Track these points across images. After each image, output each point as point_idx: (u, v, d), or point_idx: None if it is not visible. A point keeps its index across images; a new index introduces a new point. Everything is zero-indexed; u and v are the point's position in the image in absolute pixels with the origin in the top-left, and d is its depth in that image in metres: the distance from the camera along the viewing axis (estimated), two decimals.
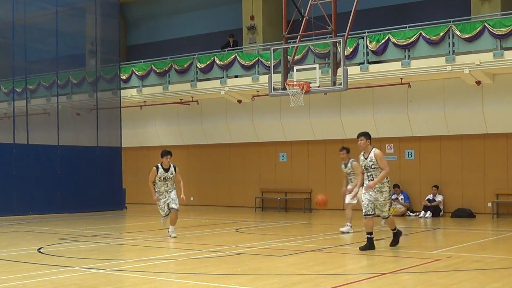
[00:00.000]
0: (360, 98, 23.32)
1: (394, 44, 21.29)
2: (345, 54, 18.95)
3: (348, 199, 15.71)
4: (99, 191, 24.92)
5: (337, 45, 18.40)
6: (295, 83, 18.78)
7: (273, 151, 26.01)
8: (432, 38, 20.61)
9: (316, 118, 24.33)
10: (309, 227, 19.02)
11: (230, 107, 26.51)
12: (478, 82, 21.00)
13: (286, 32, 19.41)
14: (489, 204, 21.57)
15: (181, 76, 26.33)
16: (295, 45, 20.05)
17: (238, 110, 26.30)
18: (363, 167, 12.54)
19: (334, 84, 18.39)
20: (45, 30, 25.89)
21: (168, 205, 15.07)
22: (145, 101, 27.84)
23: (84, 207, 24.04)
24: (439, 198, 21.68)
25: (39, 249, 13.24)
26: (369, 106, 23.39)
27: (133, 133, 28.66)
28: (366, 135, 12.61)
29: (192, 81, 25.88)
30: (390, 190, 12.54)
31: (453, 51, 20.39)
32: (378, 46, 21.53)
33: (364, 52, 21.84)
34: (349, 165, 16.14)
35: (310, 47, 21.82)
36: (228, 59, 24.90)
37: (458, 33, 20.25)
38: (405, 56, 21.16)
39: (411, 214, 22.00)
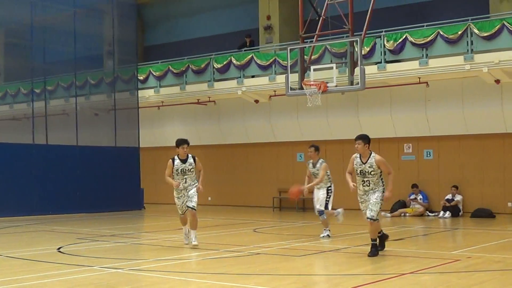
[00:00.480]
0: (378, 98, 23.23)
1: (412, 43, 21.18)
2: (362, 53, 18.87)
3: (318, 206, 14.83)
4: (117, 191, 25.00)
5: (354, 45, 18.33)
6: (312, 82, 18.74)
7: (291, 151, 25.98)
8: (450, 36, 20.49)
9: (333, 117, 24.27)
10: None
11: (247, 107, 26.51)
12: (497, 81, 20.84)
13: (303, 32, 19.38)
14: (510, 204, 21.42)
15: (198, 76, 26.37)
16: (312, 44, 20.00)
17: (255, 110, 26.30)
18: (358, 172, 11.75)
19: (351, 83, 18.32)
20: (63, 31, 26.04)
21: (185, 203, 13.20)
22: (162, 102, 27.90)
23: (103, 207, 24.13)
24: (458, 198, 21.54)
25: (59, 248, 13.30)
26: (386, 106, 23.30)
27: (151, 133, 28.72)
28: (365, 138, 11.91)
29: (209, 81, 25.91)
30: (383, 191, 11.74)
31: (472, 49, 20.25)
32: (395, 45, 21.43)
33: (381, 51, 21.76)
34: (318, 165, 14.92)
35: (327, 46, 21.76)
36: (245, 59, 24.90)
37: (476, 31, 20.11)
38: (422, 55, 21.05)
39: (430, 214, 21.88)
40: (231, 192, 27.39)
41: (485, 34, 19.97)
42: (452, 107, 22.09)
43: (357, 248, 13.17)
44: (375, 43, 21.79)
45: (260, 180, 26.63)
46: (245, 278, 9.61)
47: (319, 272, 9.97)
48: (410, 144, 23.41)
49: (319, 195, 14.98)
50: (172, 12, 31.99)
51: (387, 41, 21.60)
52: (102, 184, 24.62)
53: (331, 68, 19.14)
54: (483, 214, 20.97)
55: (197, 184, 13.28)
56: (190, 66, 26.47)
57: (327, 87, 18.54)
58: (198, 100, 27.06)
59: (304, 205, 25.14)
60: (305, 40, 19.85)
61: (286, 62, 20.61)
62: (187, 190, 13.19)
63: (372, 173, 11.69)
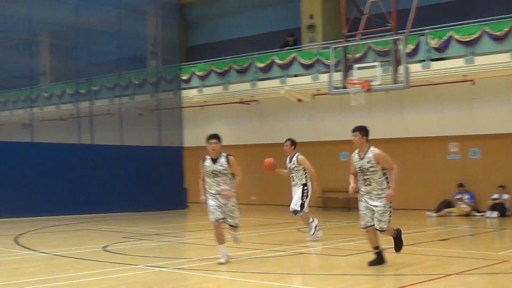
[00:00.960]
0: (422, 96, 22.99)
1: (457, 40, 20.90)
2: (406, 51, 18.70)
3: (293, 205, 14.22)
4: (161, 190, 25.17)
5: (398, 43, 18.18)
6: (355, 81, 18.63)
7: (334, 150, 25.84)
8: (497, 33, 20.16)
9: (377, 116, 24.07)
10: None
11: (290, 106, 26.47)
12: None
13: (346, 30, 19.28)
14: None
15: (241, 76, 26.40)
16: (355, 43, 19.88)
17: (298, 109, 26.24)
18: (358, 169, 10.35)
19: (395, 82, 18.17)
20: (107, 32, 26.33)
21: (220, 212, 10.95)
22: (205, 101, 28.02)
23: (147, 206, 24.33)
24: (505, 197, 21.20)
25: (104, 247, 13.45)
26: (431, 104, 23.04)
27: (195, 132, 28.84)
28: (362, 130, 10.47)
29: (252, 80, 25.93)
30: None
31: None
32: (440, 43, 21.18)
33: (425, 49, 21.53)
34: (294, 159, 14.27)
35: (371, 45, 21.61)
36: (288, 58, 24.86)
37: None
38: (468, 52, 20.76)
39: (477, 214, 21.56)
40: (275, 191, 27.34)
41: None
42: (499, 105, 21.75)
43: (402, 248, 13.03)
44: (419, 41, 21.55)
45: None
46: (289, 278, 9.59)
47: (364, 272, 9.89)
48: (456, 143, 23.10)
49: (295, 194, 14.28)
50: (214, 12, 32.10)
51: (432, 38, 21.36)
52: (147, 183, 24.82)
53: (375, 66, 18.99)
54: None
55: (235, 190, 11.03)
56: (233, 66, 26.53)
57: (371, 85, 18.41)
58: (241, 99, 27.11)
59: (349, 205, 25.00)
60: (348, 39, 19.74)
61: (329, 61, 20.54)
62: (222, 197, 10.92)
63: (372, 169, 10.17)
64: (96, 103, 26.09)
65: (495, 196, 21.26)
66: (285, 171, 14.53)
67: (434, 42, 21.28)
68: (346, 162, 25.44)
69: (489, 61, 20.45)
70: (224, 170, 10.91)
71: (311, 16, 27.13)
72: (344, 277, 9.56)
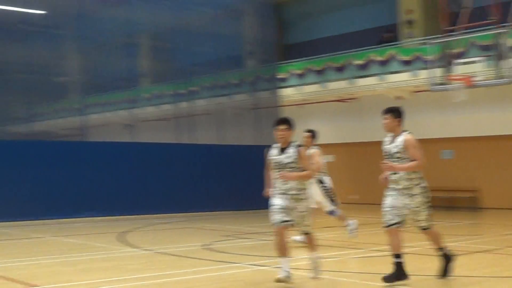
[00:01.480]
0: None
1: None
2: (510, 45, 18.09)
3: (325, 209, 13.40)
4: (260, 189, 25.19)
5: (501, 37, 17.60)
6: (457, 77, 18.17)
7: (435, 148, 25.28)
8: None
9: (481, 113, 23.36)
10: (476, 227, 18.33)
11: (389, 103, 25.95)
12: None
13: (446, 25, 18.82)
14: None
15: (339, 74, 26.21)
16: (456, 38, 19.38)
17: None
18: (384, 154, 9.24)
19: (499, 77, 17.61)
20: (205, 33, 26.65)
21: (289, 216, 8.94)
22: (303, 100, 27.97)
23: (246, 204, 24.44)
24: None
25: (205, 245, 13.59)
26: None
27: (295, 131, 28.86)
28: (394, 112, 9.27)
29: (349, 78, 25.70)
30: (426, 194, 9.26)
31: None
32: None
33: None
34: (310, 151, 13.15)
35: (473, 39, 21.00)
36: (386, 55, 24.51)
37: None
38: None
39: None
40: (377, 190, 26.95)
41: None
42: None
43: (510, 249, 12.61)
44: None
45: None
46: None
47: (469, 273, 9.60)
48: None
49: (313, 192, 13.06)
50: (310, 10, 32.00)
51: None
52: (246, 182, 24.96)
53: (477, 61, 18.47)
54: None
55: (305, 189, 9.14)
56: (330, 64, 26.37)
57: (473, 81, 17.91)
58: (339, 97, 26.92)
59: (452, 204, 24.42)
60: (448, 34, 19.26)
61: (429, 57, 20.10)
62: (292, 197, 8.94)
63: (397, 155, 8.96)
64: (195, 103, 26.45)
65: None
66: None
67: None
68: (447, 160, 24.93)
69: None
70: (292, 162, 8.97)
71: (409, 12, 26.63)
72: (447, 278, 9.29)
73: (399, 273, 8.81)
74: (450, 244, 13.23)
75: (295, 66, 27.81)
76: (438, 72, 18.81)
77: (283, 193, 8.90)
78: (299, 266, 10.21)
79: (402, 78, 24.28)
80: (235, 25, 27.72)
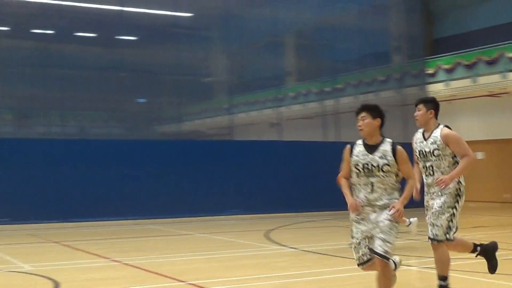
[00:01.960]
0: None
1: None
2: None
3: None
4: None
5: None
6: None
7: None
8: None
9: None
10: None
11: None
12: None
13: None
14: None
15: (490, 67, 25.11)
16: None
17: None
18: (418, 153, 7.65)
19: None
20: (350, 30, 26.40)
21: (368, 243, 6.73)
22: (452, 96, 27.05)
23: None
24: None
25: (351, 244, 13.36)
26: None
27: None
28: (428, 102, 7.65)
29: (502, 72, 24.56)
30: (458, 195, 7.44)
31: None
32: None
33: None
34: None
35: None
36: None
37: None
38: None
39: None
40: None
41: None
42: None
43: None
44: None
45: None
46: None
47: None
48: None
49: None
50: (459, 2, 30.88)
51: None
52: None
53: None
54: None
55: (395, 200, 6.59)
56: (481, 57, 25.32)
57: None
58: (490, 92, 25.81)
59: None
60: None
61: None
62: (376, 211, 6.60)
63: (436, 153, 7.36)
64: (341, 101, 26.24)
65: None
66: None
67: None
68: None
69: None
70: (386, 165, 6.59)
71: None
72: None
73: None
74: None
75: (443, 61, 26.93)
76: None
77: (368, 205, 6.65)
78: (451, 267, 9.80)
79: None
80: (381, 20, 27.25)
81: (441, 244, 7.52)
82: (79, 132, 25.31)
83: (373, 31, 26.46)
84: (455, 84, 26.46)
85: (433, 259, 7.75)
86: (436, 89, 26.86)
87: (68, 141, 21.32)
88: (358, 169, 6.72)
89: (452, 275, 9.17)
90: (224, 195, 21.18)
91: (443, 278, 7.57)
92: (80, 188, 19.34)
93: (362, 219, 6.76)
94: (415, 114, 7.68)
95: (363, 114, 7.01)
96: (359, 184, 6.73)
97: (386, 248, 6.52)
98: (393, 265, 7.01)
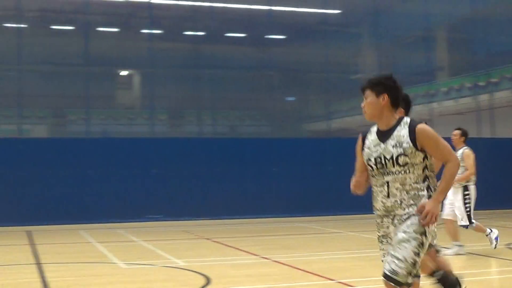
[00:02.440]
0: None
1: None
2: None
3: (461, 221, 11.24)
4: None
5: None
6: None
7: None
8: None
9: None
10: None
11: None
12: None
13: None
14: None
15: None
16: None
17: None
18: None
19: None
20: (503, 21, 25.32)
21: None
22: None
23: None
24: None
25: (509, 244, 12.79)
26: None
27: None
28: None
29: None
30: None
31: None
32: None
33: None
34: (460, 152, 11.28)
35: None
36: None
37: None
38: None
39: None
40: None
41: None
42: None
43: None
44: None
45: None
46: None
47: None
48: None
49: (455, 200, 11.33)
50: None
51: None
52: None
53: None
54: None
55: (418, 204, 4.90)
56: None
57: None
58: None
59: None
60: None
61: None
62: (393, 224, 5.01)
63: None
64: (496, 95, 25.19)
65: None
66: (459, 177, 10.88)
67: None
68: None
69: None
70: (403, 155, 4.91)
71: None
72: None
73: None
74: None
75: None
76: None
77: (386, 214, 5.06)
78: None
79: None
80: None
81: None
82: (229, 131, 25.86)
83: None
84: None
85: None
86: None
87: (219, 140, 21.82)
88: (371, 166, 5.03)
89: None
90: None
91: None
92: (230, 185, 19.72)
93: (384, 236, 5.08)
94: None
95: (366, 92, 5.08)
96: (376, 186, 5.05)
97: (394, 267, 4.78)
98: None
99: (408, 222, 4.86)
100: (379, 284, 8.86)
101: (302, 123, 25.75)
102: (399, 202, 4.91)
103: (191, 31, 24.70)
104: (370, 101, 5.05)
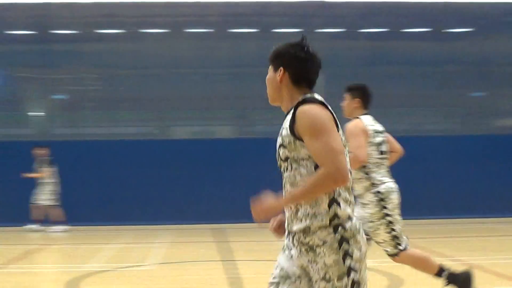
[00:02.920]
0: None
1: None
2: None
3: None
4: None
5: None
6: None
7: None
8: None
9: None
10: None
11: None
12: None
13: None
14: None
15: None
16: None
17: None
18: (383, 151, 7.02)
19: None
20: None
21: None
22: None
23: None
24: None
25: None
26: None
27: None
28: (354, 90, 6.81)
29: None
30: (382, 202, 6.58)
31: None
32: None
33: None
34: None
35: None
36: None
37: None
38: None
39: None
40: None
41: None
42: None
43: None
44: None
45: None
46: None
47: None
48: None
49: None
50: None
51: None
52: None
53: None
54: None
55: (319, 218, 3.65)
56: None
57: None
58: None
59: None
60: None
61: None
62: (294, 246, 3.75)
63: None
64: None
65: None
66: None
67: None
68: None
69: None
70: (282, 147, 3.69)
71: None
72: None
73: None
74: None
75: None
76: None
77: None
78: None
79: None
80: None
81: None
82: (412, 128, 25.24)
83: None
84: None
85: None
86: None
87: (401, 138, 21.37)
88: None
89: None
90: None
91: (438, 273, 6.61)
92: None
93: (284, 249, 3.78)
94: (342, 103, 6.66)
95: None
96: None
97: None
98: None
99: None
100: None
101: (490, 119, 24.61)
102: (294, 211, 3.62)
103: (370, 28, 24.32)
104: (267, 78, 3.86)
